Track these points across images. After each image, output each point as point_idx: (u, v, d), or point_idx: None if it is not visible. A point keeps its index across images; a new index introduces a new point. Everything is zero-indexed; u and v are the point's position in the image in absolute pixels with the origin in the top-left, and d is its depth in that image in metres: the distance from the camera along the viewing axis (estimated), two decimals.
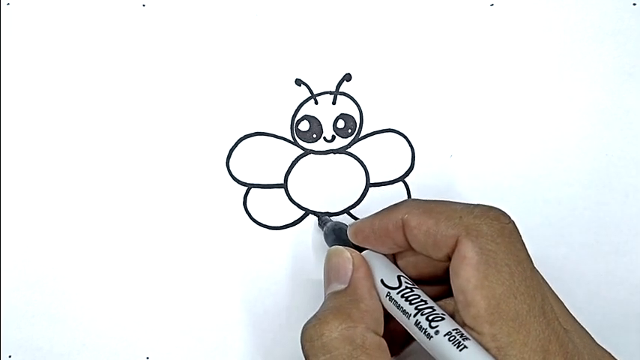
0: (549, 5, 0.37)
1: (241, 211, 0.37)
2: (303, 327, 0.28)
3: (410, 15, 0.37)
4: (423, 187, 0.37)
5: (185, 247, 0.37)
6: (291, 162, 0.37)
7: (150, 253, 0.37)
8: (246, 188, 0.37)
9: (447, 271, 0.27)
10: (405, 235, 0.29)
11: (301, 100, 0.37)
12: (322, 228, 0.35)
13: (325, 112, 0.37)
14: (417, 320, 0.26)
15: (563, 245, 0.36)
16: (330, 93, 0.37)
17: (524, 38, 0.37)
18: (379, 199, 0.37)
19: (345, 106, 0.37)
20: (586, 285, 0.36)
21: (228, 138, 0.37)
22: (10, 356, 0.37)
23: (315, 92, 0.37)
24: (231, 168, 0.37)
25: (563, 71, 0.37)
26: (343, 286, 0.29)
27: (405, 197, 0.37)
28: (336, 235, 0.33)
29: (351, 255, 0.30)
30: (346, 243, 0.32)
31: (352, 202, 0.37)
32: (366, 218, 0.31)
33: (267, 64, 0.37)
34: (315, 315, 0.28)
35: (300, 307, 0.36)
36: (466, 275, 0.26)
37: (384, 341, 0.28)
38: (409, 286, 0.28)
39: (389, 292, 0.28)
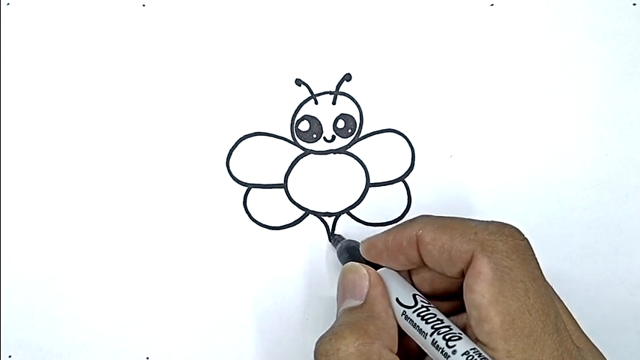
0: (549, 5, 0.37)
1: (241, 211, 0.37)
2: (318, 341, 0.27)
3: (410, 15, 0.37)
4: (423, 188, 0.37)
5: (185, 247, 0.37)
6: (291, 162, 0.37)
7: (150, 253, 0.37)
8: (246, 188, 0.37)
9: (461, 287, 0.27)
10: (419, 251, 0.28)
11: (301, 100, 0.37)
12: (335, 246, 0.35)
13: (325, 112, 0.37)
14: (434, 339, 0.26)
15: (563, 245, 0.36)
16: (330, 93, 0.37)
17: (524, 38, 0.37)
18: (379, 199, 0.37)
19: (345, 106, 0.37)
20: (586, 285, 0.36)
21: (228, 138, 0.37)
22: (10, 356, 0.37)
23: (315, 92, 0.37)
24: (231, 168, 0.37)
25: (563, 71, 0.37)
26: (359, 303, 0.29)
27: (405, 197, 0.37)
28: (349, 253, 0.33)
29: (367, 272, 0.30)
30: (359, 261, 0.31)
31: (352, 202, 0.37)
32: (379, 234, 0.31)
33: (267, 64, 0.37)
34: (330, 330, 0.28)
35: (300, 308, 0.37)
36: (481, 290, 0.26)
37: (398, 359, 0.27)
38: (425, 304, 0.28)
39: (405, 311, 0.28)
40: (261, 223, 0.37)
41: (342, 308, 0.30)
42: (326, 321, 0.36)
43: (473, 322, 0.26)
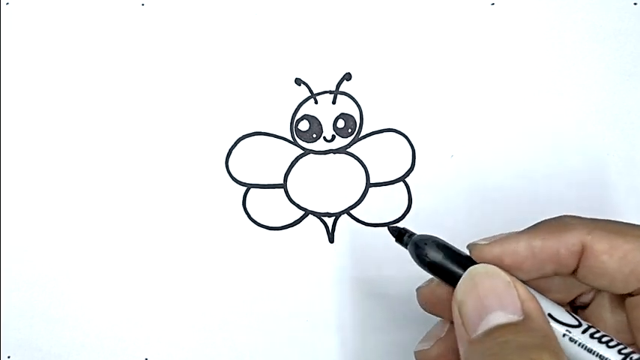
0: (550, 5, 0.37)
1: (240, 211, 0.37)
2: None
3: (410, 14, 0.37)
4: (423, 188, 0.37)
5: (184, 247, 0.37)
6: (290, 162, 0.37)
7: (149, 253, 0.37)
8: (245, 188, 0.37)
9: (574, 303, 0.25)
10: (579, 260, 0.24)
11: (301, 100, 0.37)
12: (397, 237, 0.27)
13: (325, 112, 0.37)
14: None
15: None
16: (330, 92, 0.37)
17: (524, 38, 0.37)
18: (379, 200, 0.37)
19: (345, 105, 0.37)
20: None
21: (227, 138, 0.37)
22: (9, 357, 0.37)
23: (314, 92, 0.37)
24: (230, 168, 0.37)
25: (563, 71, 0.36)
26: (517, 318, 0.23)
27: (406, 197, 0.37)
28: (444, 253, 0.26)
29: (511, 279, 0.24)
30: (457, 263, 0.25)
31: (352, 203, 0.37)
32: (511, 237, 0.25)
33: (267, 64, 0.37)
34: (513, 351, 0.22)
35: (300, 308, 0.36)
36: None
37: None
38: (589, 324, 0.23)
39: (568, 331, 0.23)
40: (261, 223, 0.37)
41: (492, 323, 0.23)
42: (326, 322, 0.36)
43: None
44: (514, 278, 0.24)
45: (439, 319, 0.28)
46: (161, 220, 0.37)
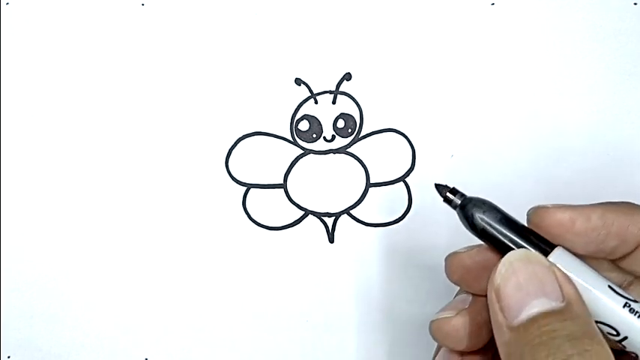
0: (550, 5, 0.37)
1: (240, 211, 0.37)
2: None
3: (410, 14, 0.37)
4: (423, 188, 0.37)
5: (184, 247, 0.37)
6: (290, 162, 0.37)
7: (149, 253, 0.37)
8: (245, 188, 0.37)
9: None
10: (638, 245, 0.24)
11: (301, 100, 0.37)
12: (452, 204, 0.26)
13: (325, 112, 0.37)
14: None
15: None
16: (330, 92, 0.37)
17: (525, 38, 0.37)
18: (379, 199, 0.37)
19: (345, 105, 0.37)
20: None
21: (227, 138, 0.37)
22: (9, 357, 0.37)
23: (314, 91, 0.37)
24: (230, 168, 0.37)
25: (564, 71, 0.36)
26: (559, 305, 0.22)
27: (406, 197, 0.37)
28: (504, 225, 0.25)
29: (550, 264, 0.24)
30: (502, 234, 0.24)
31: (352, 203, 0.37)
32: (582, 205, 0.25)
33: (267, 64, 0.37)
34: (567, 341, 0.21)
35: (299, 308, 0.36)
36: None
37: None
38: None
39: (628, 304, 0.23)
40: (261, 223, 0.37)
41: (535, 310, 0.22)
42: (326, 322, 0.36)
43: None
44: (552, 262, 0.24)
45: (456, 295, 0.28)
46: (161, 220, 0.37)
